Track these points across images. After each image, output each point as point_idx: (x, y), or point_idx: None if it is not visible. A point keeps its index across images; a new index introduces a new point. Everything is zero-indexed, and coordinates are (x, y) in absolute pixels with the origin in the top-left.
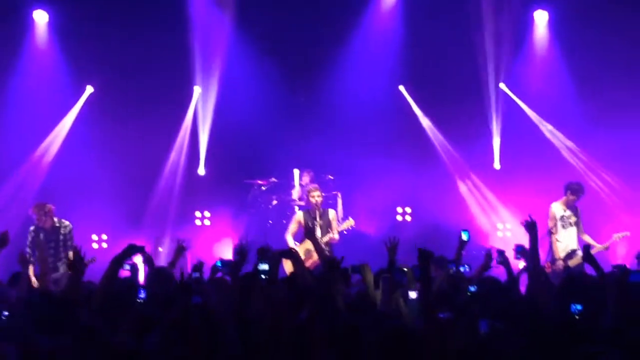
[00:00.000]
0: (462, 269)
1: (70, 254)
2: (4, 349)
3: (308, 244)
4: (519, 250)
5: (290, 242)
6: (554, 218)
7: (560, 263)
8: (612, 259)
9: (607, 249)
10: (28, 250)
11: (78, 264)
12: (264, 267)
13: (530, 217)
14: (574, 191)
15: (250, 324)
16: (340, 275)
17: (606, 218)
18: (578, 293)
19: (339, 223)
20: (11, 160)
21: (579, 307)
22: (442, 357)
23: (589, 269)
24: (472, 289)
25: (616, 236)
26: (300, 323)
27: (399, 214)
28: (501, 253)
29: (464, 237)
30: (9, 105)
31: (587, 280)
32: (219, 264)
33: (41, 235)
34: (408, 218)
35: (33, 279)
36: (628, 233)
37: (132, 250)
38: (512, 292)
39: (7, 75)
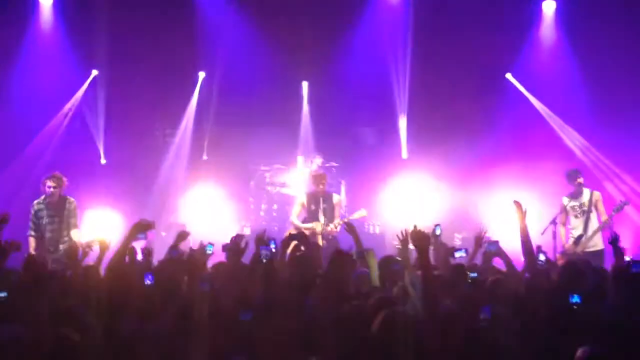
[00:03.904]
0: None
1: (73, 233)
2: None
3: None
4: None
5: (299, 225)
6: (561, 209)
7: (571, 248)
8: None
9: (607, 223)
10: (31, 224)
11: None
12: (266, 251)
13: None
14: (567, 177)
15: (255, 308)
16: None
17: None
18: (577, 283)
19: (341, 210)
20: (16, 141)
21: (577, 298)
22: (444, 344)
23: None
24: (473, 275)
25: (615, 209)
26: (307, 307)
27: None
28: (495, 244)
29: (437, 232)
30: (15, 87)
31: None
32: (209, 247)
33: (46, 212)
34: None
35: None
36: (626, 201)
37: (142, 226)
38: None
39: (13, 57)
